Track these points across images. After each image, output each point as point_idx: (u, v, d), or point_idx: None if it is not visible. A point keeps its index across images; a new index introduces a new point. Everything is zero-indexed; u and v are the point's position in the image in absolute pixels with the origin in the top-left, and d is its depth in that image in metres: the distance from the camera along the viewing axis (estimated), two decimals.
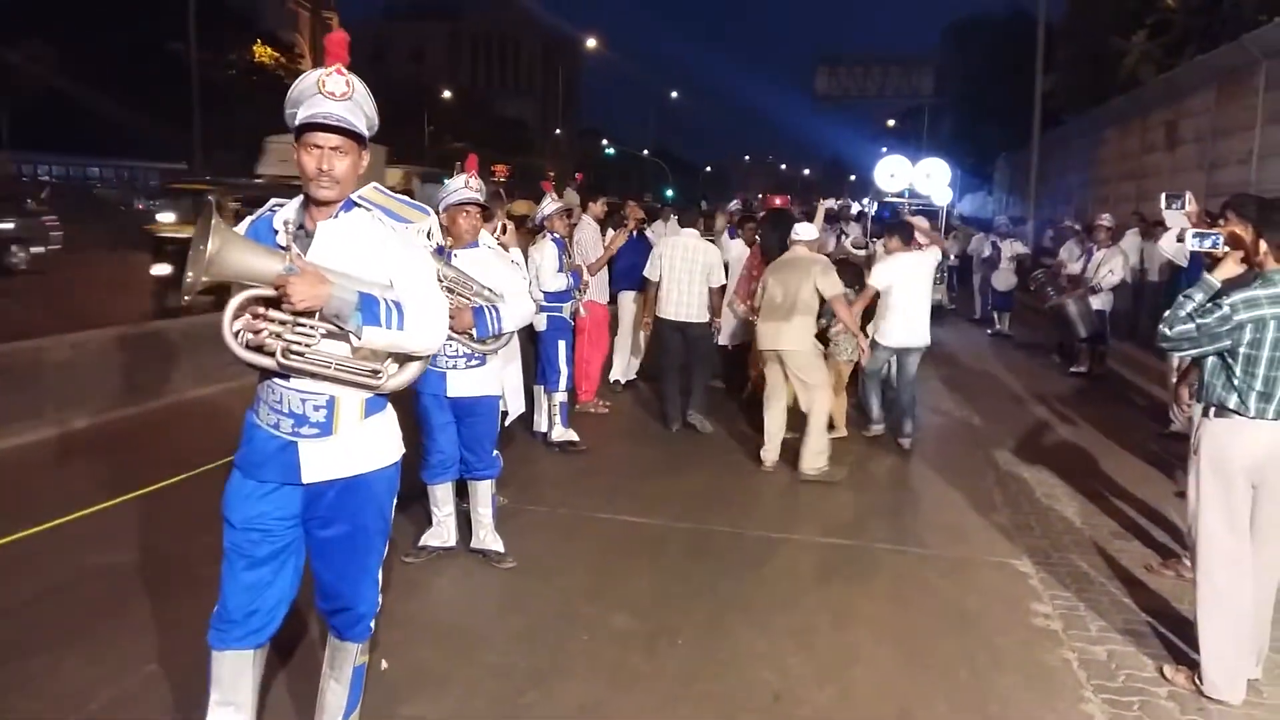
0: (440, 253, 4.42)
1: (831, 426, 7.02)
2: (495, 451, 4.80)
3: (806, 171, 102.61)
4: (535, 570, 4.67)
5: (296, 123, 2.60)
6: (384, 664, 3.60)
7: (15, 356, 6.84)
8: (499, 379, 4.78)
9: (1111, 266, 10.20)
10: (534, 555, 4.84)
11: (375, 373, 2.67)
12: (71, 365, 7.06)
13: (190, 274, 2.41)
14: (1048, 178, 26.29)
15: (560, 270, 6.80)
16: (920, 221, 8.20)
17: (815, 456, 6.43)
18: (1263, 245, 3.57)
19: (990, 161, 36.49)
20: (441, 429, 4.61)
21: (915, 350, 7.30)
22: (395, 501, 2.90)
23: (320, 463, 2.69)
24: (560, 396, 6.89)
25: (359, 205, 2.71)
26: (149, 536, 4.86)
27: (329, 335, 2.59)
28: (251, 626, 2.72)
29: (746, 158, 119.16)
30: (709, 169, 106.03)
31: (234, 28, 43.80)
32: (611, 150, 73.12)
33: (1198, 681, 3.69)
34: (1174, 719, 3.55)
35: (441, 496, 4.76)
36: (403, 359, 2.75)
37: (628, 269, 8.77)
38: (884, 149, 21.58)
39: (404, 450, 2.88)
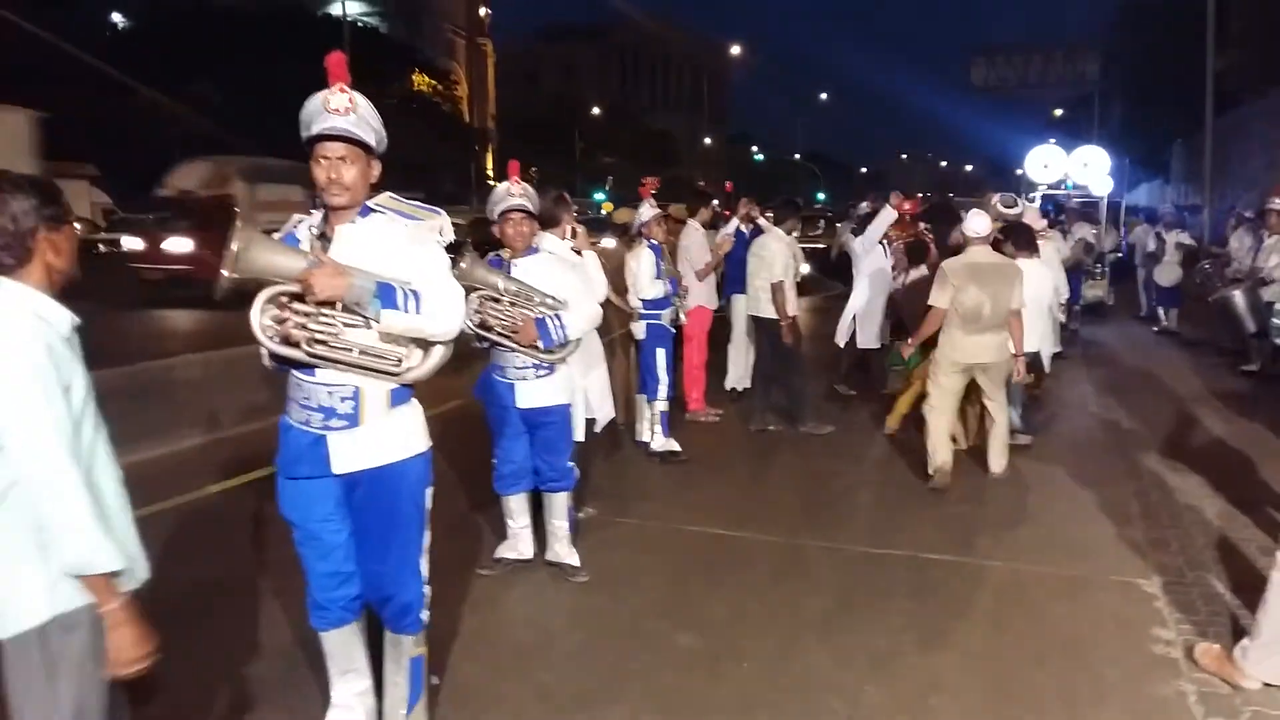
0: (498, 265, 4.38)
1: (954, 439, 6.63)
2: (571, 463, 4.70)
3: (969, 168, 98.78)
4: (608, 585, 4.52)
5: (306, 138, 2.76)
6: (434, 679, 3.53)
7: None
8: (571, 387, 4.67)
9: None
10: (611, 569, 4.69)
11: (398, 360, 2.81)
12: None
13: (223, 271, 2.58)
14: (1228, 164, 24.26)
15: (658, 277, 6.66)
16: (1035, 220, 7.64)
17: (1003, 458, 6.28)
18: None
19: (1165, 149, 34.07)
20: (512, 440, 4.54)
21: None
22: (431, 491, 3.01)
23: (349, 453, 2.82)
24: (661, 405, 6.73)
25: (375, 210, 2.88)
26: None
27: (350, 325, 2.73)
28: (340, 605, 2.98)
29: (904, 156, 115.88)
30: (864, 169, 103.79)
31: (394, 58, 45.99)
32: (760, 156, 72.64)
33: (1234, 662, 3.50)
34: None
35: (515, 508, 4.69)
36: (425, 348, 2.86)
37: (738, 273, 8.52)
38: (1051, 140, 20.32)
39: (431, 442, 2.99)
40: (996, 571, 4.72)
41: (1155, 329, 13.11)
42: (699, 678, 3.64)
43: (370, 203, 2.86)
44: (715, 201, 10.54)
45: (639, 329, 6.79)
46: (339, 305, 2.70)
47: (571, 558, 4.70)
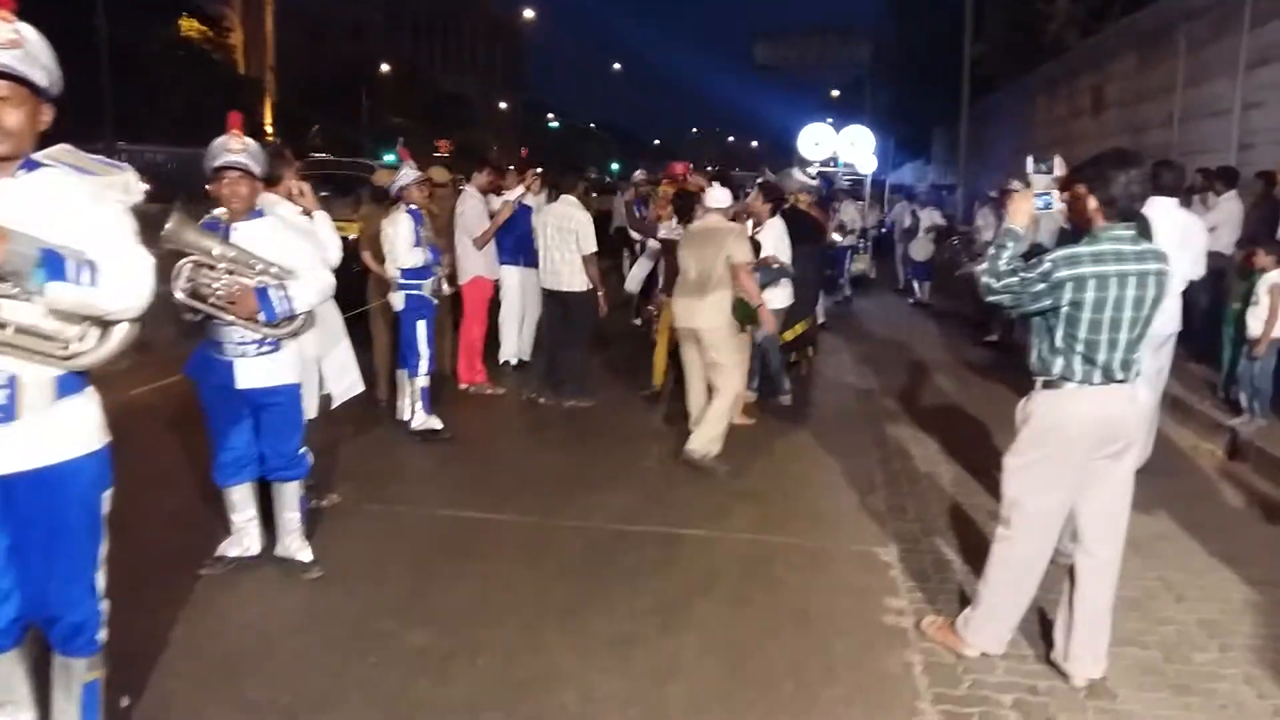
0: (214, 228, 3.92)
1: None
2: (303, 449, 4.31)
3: (755, 143, 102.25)
4: (344, 580, 4.20)
5: None
6: (125, 700, 3.13)
7: None
8: (300, 364, 4.26)
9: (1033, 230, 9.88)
10: (348, 562, 4.37)
11: (66, 344, 2.40)
12: None
13: None
14: (981, 146, 26.12)
15: (417, 245, 6.31)
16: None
17: (708, 441, 5.86)
18: (1091, 202, 3.23)
19: (928, 132, 36.29)
20: (231, 424, 4.10)
21: None
22: (108, 495, 2.62)
23: (3, 453, 2.41)
24: (422, 381, 6.40)
25: (44, 165, 2.44)
26: None
27: (6, 299, 2.31)
28: None
29: (694, 130, 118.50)
30: (657, 142, 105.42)
31: (158, 2, 42.25)
32: (556, 124, 72.27)
33: (956, 632, 3.65)
34: None
35: (238, 500, 4.23)
36: (104, 328, 2.47)
37: (514, 243, 8.27)
38: (829, 120, 21.17)
39: (109, 438, 2.60)
40: (743, 545, 4.74)
41: (910, 301, 13.94)
42: (427, 679, 3.41)
43: (39, 155, 2.44)
44: (511, 168, 10.19)
45: (397, 300, 6.42)
46: None
47: (303, 553, 4.33)
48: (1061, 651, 3.49)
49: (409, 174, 6.43)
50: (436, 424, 6.44)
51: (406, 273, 6.32)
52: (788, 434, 6.79)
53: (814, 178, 9.10)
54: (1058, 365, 3.28)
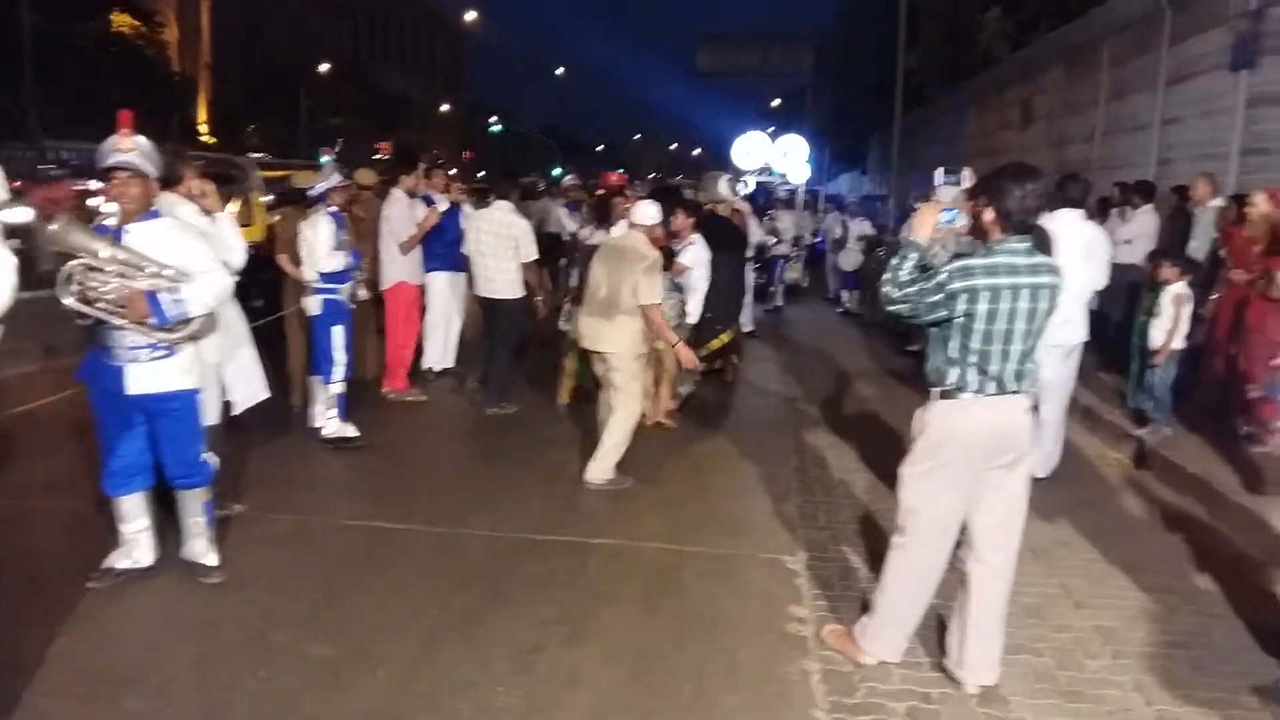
0: (104, 231, 3.82)
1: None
2: (205, 454, 4.22)
3: (697, 151, 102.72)
4: (243, 591, 4.11)
5: None
6: None
7: None
8: (198, 370, 4.15)
9: (945, 244, 10.06)
10: (250, 573, 4.28)
11: None
12: None
13: None
14: (914, 157, 26.60)
15: (338, 248, 6.21)
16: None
17: (605, 470, 5.69)
18: (988, 214, 3.29)
19: (866, 141, 36.86)
20: (121, 431, 3.99)
21: None
22: None
23: None
24: (336, 387, 6.29)
25: None
26: None
27: None
28: None
29: (637, 136, 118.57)
30: (600, 148, 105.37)
31: None
32: (499, 127, 71.76)
33: (854, 639, 3.69)
34: None
35: (128, 510, 4.11)
36: None
37: (442, 248, 8.19)
38: (770, 129, 21.35)
39: None
40: (654, 553, 4.74)
41: (839, 310, 14.10)
42: (319, 692, 3.35)
43: None
44: (453, 171, 10.07)
45: (313, 304, 6.30)
46: None
47: (208, 557, 4.25)
48: (955, 658, 3.54)
49: (334, 178, 6.34)
50: (351, 432, 6.34)
51: (324, 277, 6.21)
52: (707, 440, 6.81)
53: (747, 187, 9.18)
54: (952, 375, 3.33)
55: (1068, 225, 5.57)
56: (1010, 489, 3.44)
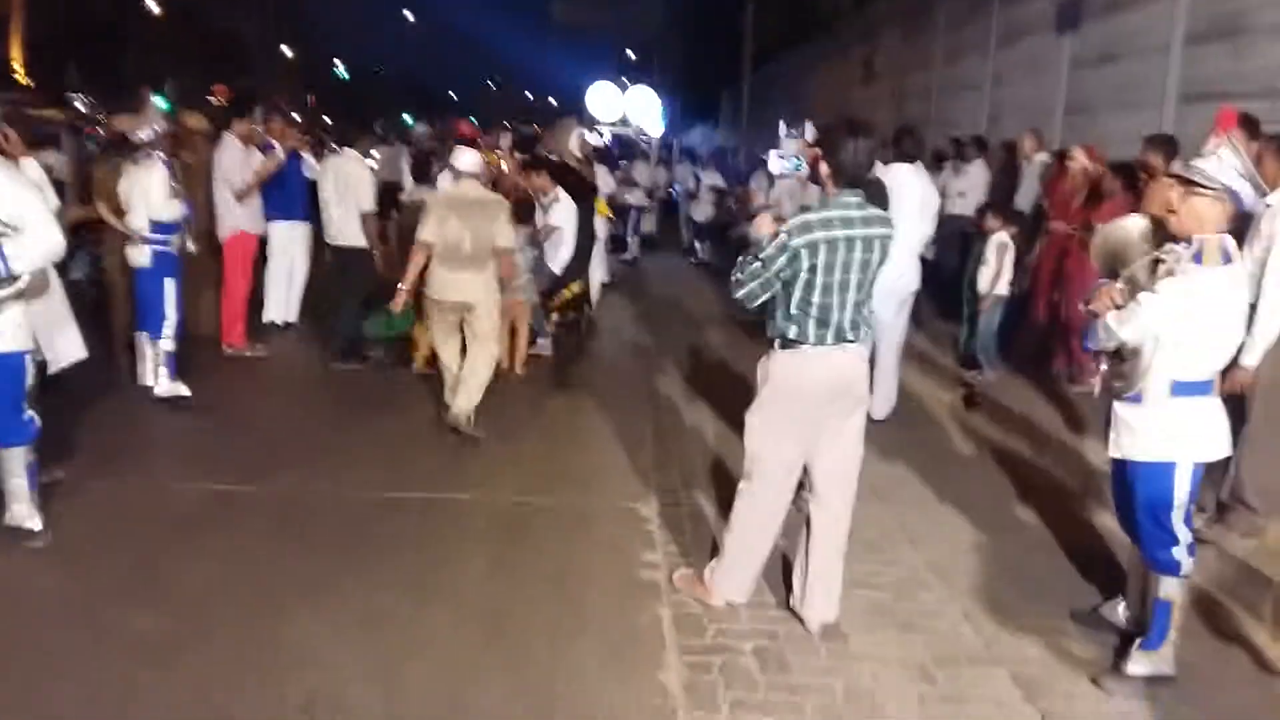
0: None
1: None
2: (28, 413, 3.96)
3: (552, 100, 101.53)
4: (64, 563, 3.86)
5: None
6: None
7: None
8: (24, 330, 3.88)
9: (790, 192, 10.29)
10: (73, 542, 4.02)
11: None
12: None
13: None
14: (764, 110, 27.01)
15: (172, 197, 5.82)
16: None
17: (471, 405, 5.66)
18: (823, 169, 3.38)
19: (717, 94, 37.13)
20: None
21: None
22: None
23: None
24: (167, 344, 5.93)
25: None
26: None
27: None
28: None
29: (492, 85, 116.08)
30: (453, 96, 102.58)
31: None
32: (345, 74, 68.81)
33: (704, 583, 3.78)
34: (752, 679, 3.31)
35: None
36: None
37: (283, 197, 7.80)
38: (624, 80, 21.17)
39: None
40: (505, 508, 4.70)
41: (692, 260, 14.27)
42: (150, 665, 3.17)
43: None
44: (296, 117, 9.55)
45: (141, 255, 5.88)
46: None
47: (32, 520, 4.02)
48: (799, 598, 3.66)
49: (159, 121, 5.92)
50: (183, 390, 6.00)
51: (155, 227, 5.82)
52: (562, 393, 6.79)
53: (603, 138, 9.16)
54: (793, 329, 3.41)
55: (903, 178, 5.75)
56: (847, 435, 3.57)
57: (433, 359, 7.01)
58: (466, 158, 5.85)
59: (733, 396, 6.60)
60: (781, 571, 3.92)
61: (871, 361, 5.21)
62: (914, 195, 5.75)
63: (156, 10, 53.62)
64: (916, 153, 6.05)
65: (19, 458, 3.97)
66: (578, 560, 4.16)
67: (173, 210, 5.86)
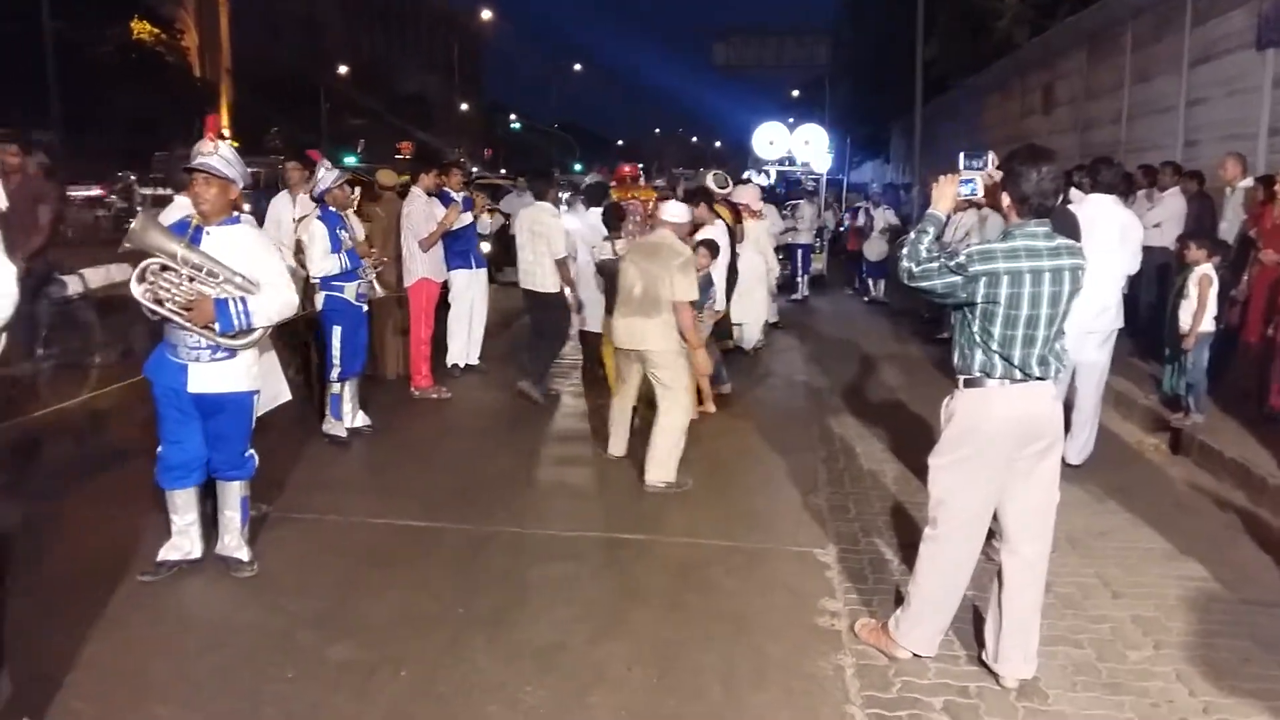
0: (182, 230, 3.92)
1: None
2: (249, 451, 4.27)
3: (718, 144, 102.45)
4: (267, 592, 4.09)
5: None
6: None
7: None
8: (255, 373, 4.19)
9: (969, 228, 9.92)
10: (274, 574, 4.25)
11: None
12: None
13: None
14: (937, 144, 26.33)
15: (335, 251, 6.09)
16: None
17: (661, 468, 5.50)
18: (1004, 199, 3.22)
19: (887, 129, 36.56)
20: (180, 426, 4.06)
21: None
22: None
23: None
24: (333, 387, 6.26)
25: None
26: None
27: None
28: None
29: (657, 131, 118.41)
30: (620, 143, 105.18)
31: (111, 2, 41.44)
32: (518, 125, 71.88)
33: (888, 633, 3.59)
34: None
35: (181, 504, 4.18)
36: None
37: (462, 246, 8.18)
38: (789, 120, 21.20)
39: None
40: (681, 548, 4.67)
41: (866, 299, 13.96)
42: (346, 693, 3.31)
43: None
44: (475, 170, 10.05)
45: (318, 302, 6.26)
46: None
47: (242, 552, 4.29)
48: (992, 652, 3.45)
49: (327, 176, 6.26)
50: (341, 431, 6.30)
51: (324, 277, 6.16)
52: (732, 433, 6.74)
53: (724, 185, 9.20)
54: (979, 366, 3.25)
55: (1101, 210, 5.45)
56: (1041, 477, 3.35)
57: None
58: (671, 209, 5.85)
59: (912, 439, 6.40)
60: (972, 624, 3.72)
61: (1069, 403, 4.95)
62: (1113, 227, 5.42)
63: (344, 70, 57.76)
64: (1115, 182, 5.71)
65: (236, 492, 4.26)
66: (754, 604, 4.08)
67: (331, 265, 6.05)
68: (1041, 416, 3.28)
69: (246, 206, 4.82)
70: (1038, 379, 3.23)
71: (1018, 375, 3.21)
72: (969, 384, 3.29)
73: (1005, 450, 3.27)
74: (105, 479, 5.42)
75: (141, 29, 45.82)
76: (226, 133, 50.00)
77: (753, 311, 9.13)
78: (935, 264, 3.23)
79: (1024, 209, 3.20)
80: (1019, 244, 3.16)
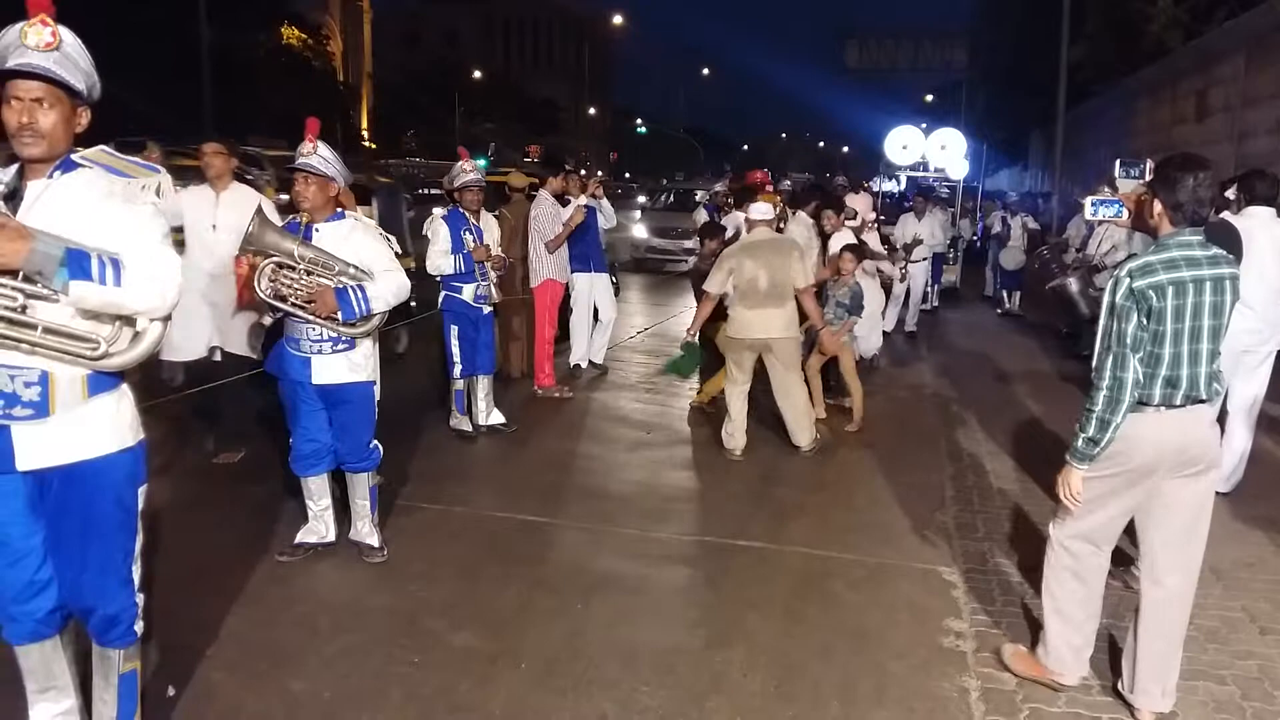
0: (295, 229, 4.08)
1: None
2: (374, 442, 4.42)
3: (845, 149, 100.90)
4: (395, 578, 4.23)
5: None
6: (171, 691, 3.20)
7: None
8: (375, 364, 4.36)
9: (1115, 242, 9.48)
10: (402, 561, 4.40)
11: (94, 344, 2.43)
12: None
13: None
14: (1080, 152, 25.28)
15: (456, 251, 6.20)
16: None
17: (805, 433, 6.29)
18: (1156, 206, 3.06)
19: (1026, 136, 35.33)
20: (308, 416, 4.24)
21: None
22: (142, 491, 2.69)
23: (36, 448, 2.49)
24: (457, 384, 6.42)
25: (81, 165, 2.50)
26: None
27: (36, 298, 2.37)
28: (35, 617, 2.63)
29: (783, 135, 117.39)
30: (745, 147, 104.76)
31: (262, 8, 43.66)
32: (644, 129, 72.43)
33: (1041, 659, 3.44)
34: None
35: (315, 489, 4.39)
36: (137, 328, 2.52)
37: (582, 248, 8.29)
38: (922, 125, 20.66)
39: (143, 435, 2.66)
40: (800, 558, 4.61)
41: (999, 311, 13.50)
42: (469, 680, 3.40)
43: (75, 156, 2.51)
44: (600, 174, 10.19)
45: (440, 301, 6.43)
46: (20, 275, 2.33)
47: (373, 538, 4.47)
48: (1128, 683, 3.29)
49: (465, 172, 6.35)
50: (465, 426, 6.45)
51: (448, 278, 6.31)
52: (857, 444, 6.62)
53: (899, 184, 9.08)
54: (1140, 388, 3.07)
55: (1259, 224, 5.13)
56: (1188, 504, 3.17)
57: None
58: (758, 208, 6.33)
59: (1045, 457, 6.16)
60: (1108, 653, 3.56)
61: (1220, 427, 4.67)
62: (1270, 243, 5.10)
63: (478, 75, 59.25)
64: (1273, 195, 5.37)
65: (365, 481, 4.43)
66: (875, 620, 4.00)
67: (448, 265, 6.18)
68: (1199, 442, 3.10)
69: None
70: (1201, 400, 3.06)
71: (1179, 399, 3.03)
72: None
73: (1149, 476, 3.11)
74: (243, 460, 5.69)
75: (290, 35, 48.13)
76: (365, 134, 52.06)
77: (865, 322, 8.94)
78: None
79: (1179, 217, 3.04)
80: (1175, 254, 3.00)
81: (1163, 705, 3.24)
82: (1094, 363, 3.12)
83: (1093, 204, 3.47)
